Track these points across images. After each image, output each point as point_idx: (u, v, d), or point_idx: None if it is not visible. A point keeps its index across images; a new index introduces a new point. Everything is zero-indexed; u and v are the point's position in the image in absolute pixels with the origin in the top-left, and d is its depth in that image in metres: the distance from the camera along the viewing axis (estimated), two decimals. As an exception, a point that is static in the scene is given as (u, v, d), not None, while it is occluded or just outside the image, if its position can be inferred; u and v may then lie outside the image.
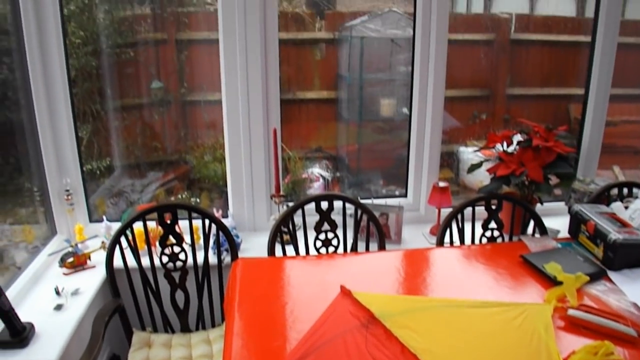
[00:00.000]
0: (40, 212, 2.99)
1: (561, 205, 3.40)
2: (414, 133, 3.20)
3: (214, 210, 3.00)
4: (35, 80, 2.66)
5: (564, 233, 2.56)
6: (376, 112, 4.06)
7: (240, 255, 2.79)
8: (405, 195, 3.39)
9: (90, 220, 3.11)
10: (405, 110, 3.65)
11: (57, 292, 2.47)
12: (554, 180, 2.81)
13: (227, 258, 2.73)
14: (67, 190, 2.88)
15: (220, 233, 2.66)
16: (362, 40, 3.83)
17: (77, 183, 2.94)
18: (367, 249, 2.77)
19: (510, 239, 2.73)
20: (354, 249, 2.74)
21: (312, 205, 2.65)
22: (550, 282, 1.95)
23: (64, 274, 2.68)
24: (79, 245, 2.78)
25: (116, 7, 3.65)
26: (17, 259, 2.86)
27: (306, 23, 3.91)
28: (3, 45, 2.84)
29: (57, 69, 2.71)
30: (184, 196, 3.70)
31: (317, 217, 2.64)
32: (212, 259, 2.69)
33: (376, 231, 2.71)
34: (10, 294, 2.29)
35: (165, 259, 2.57)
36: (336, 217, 2.67)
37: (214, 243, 2.76)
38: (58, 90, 2.74)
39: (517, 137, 2.87)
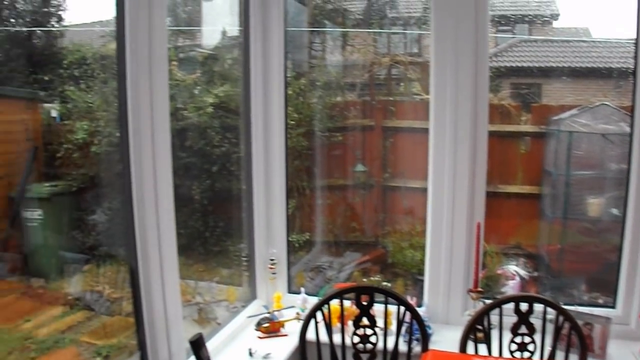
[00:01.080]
0: (244, 276, 3.19)
1: None
2: (628, 238, 2.91)
3: (409, 298, 2.97)
4: (257, 155, 2.93)
5: None
6: (582, 212, 3.80)
7: (430, 346, 2.69)
8: (613, 306, 3.06)
9: (289, 291, 3.24)
10: (615, 211, 3.37)
11: (250, 354, 2.62)
12: None
13: (417, 347, 2.66)
14: (272, 260, 3.06)
15: (414, 322, 2.61)
16: (571, 135, 3.66)
17: (281, 254, 3.11)
18: (567, 359, 2.52)
19: None
20: (552, 357, 2.52)
21: (510, 305, 2.50)
22: None
23: (259, 337, 2.82)
24: (276, 313, 2.91)
25: (329, 93, 3.92)
26: (218, 315, 3.06)
27: (512, 115, 3.86)
28: (229, 122, 3.18)
29: (276, 146, 2.96)
30: (376, 279, 3.73)
31: (514, 319, 2.48)
32: (402, 347, 2.63)
33: (578, 341, 2.46)
34: (209, 346, 2.43)
35: (356, 339, 2.57)
36: (535, 320, 2.48)
37: (406, 331, 2.71)
38: (275, 166, 2.98)
39: None
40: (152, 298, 2.18)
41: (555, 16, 4.20)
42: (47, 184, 4.80)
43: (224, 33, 4.96)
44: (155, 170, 2.12)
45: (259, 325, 2.84)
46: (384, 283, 3.68)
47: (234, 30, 4.54)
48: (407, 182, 3.72)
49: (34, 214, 4.69)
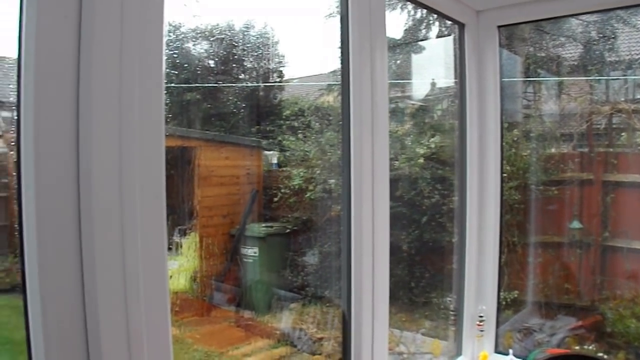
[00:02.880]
0: (450, 330, 3.13)
1: None
2: None
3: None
4: (471, 207, 2.88)
5: None
6: None
7: None
8: None
9: (495, 351, 3.10)
10: None
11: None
12: None
13: None
14: (481, 317, 2.96)
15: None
16: None
17: (491, 311, 3.00)
18: None
19: None
20: None
21: None
22: None
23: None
24: (481, 372, 2.79)
25: (543, 145, 3.76)
26: (420, 367, 3.04)
27: None
28: (439, 173, 3.18)
29: (491, 199, 2.89)
30: (591, 348, 3.42)
31: None
32: None
33: None
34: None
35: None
36: None
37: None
38: (489, 220, 2.90)
39: None
40: (361, 343, 2.23)
41: None
42: (263, 225, 5.23)
43: (433, 84, 5.04)
44: (374, 219, 2.18)
45: (464, 383, 2.76)
46: (600, 354, 3.36)
47: (442, 81, 4.60)
48: (631, 242, 3.39)
49: (250, 252, 5.12)
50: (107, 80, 1.12)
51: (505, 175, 3.50)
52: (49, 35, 1.06)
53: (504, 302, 3.51)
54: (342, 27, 2.21)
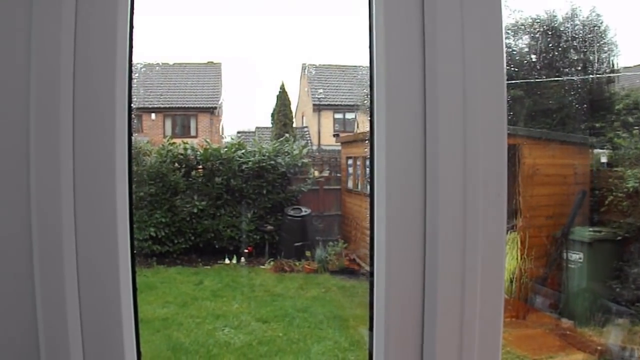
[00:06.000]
0: None
1: None
2: None
3: None
4: None
5: None
6: None
7: None
8: None
9: None
10: None
11: None
12: None
13: None
14: None
15: None
16: None
17: None
18: None
19: None
20: None
21: None
22: None
23: None
24: None
25: None
26: None
27: None
28: None
29: None
30: None
31: None
32: None
33: None
34: None
35: None
36: None
37: None
38: None
39: None
40: None
41: None
42: (590, 229, 4.91)
43: None
44: None
45: None
46: None
47: None
48: None
49: (575, 257, 4.82)
50: (451, 80, 1.15)
51: None
52: (395, 43, 1.14)
53: None
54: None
